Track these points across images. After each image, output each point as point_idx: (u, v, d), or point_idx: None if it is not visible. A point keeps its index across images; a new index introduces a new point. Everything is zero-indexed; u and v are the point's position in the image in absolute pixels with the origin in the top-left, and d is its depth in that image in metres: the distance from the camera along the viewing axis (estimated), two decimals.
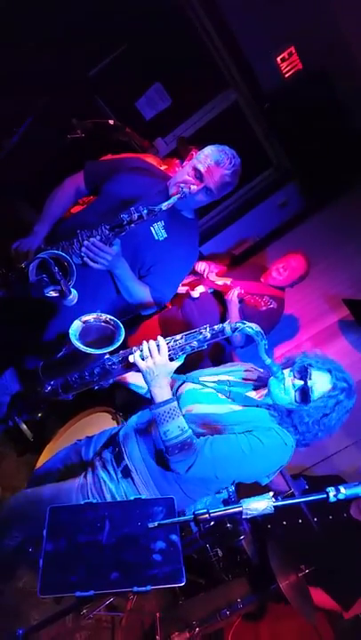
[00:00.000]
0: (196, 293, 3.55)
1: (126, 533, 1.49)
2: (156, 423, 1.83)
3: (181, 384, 2.15)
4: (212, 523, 2.50)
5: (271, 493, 1.76)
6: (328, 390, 1.89)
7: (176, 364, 1.91)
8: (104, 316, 1.95)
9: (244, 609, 2.98)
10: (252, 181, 4.92)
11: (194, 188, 2.39)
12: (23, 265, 2.19)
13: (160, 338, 1.89)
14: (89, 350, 1.82)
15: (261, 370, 2.19)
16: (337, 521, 3.10)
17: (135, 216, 2.16)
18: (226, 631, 3.23)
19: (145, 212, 2.16)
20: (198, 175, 2.42)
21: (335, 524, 3.08)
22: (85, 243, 2.23)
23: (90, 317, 1.92)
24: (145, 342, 1.88)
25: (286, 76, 4.21)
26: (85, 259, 2.26)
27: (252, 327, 1.80)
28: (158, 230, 2.51)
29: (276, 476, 3.20)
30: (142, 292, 2.51)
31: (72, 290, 2.01)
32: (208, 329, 1.86)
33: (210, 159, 2.41)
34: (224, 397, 2.04)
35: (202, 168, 2.40)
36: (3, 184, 3.27)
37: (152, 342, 1.88)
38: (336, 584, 3.10)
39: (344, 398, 1.89)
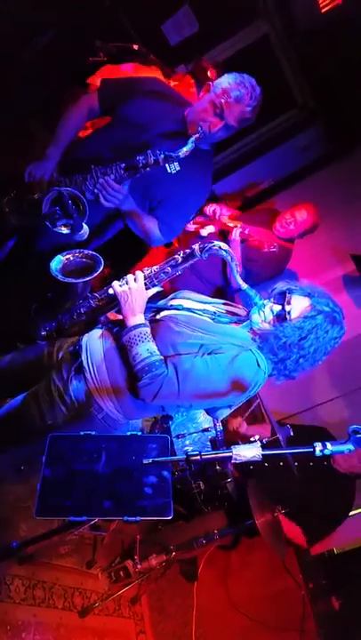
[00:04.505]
0: (205, 232, 3.52)
1: (121, 466, 1.55)
2: (127, 349, 1.81)
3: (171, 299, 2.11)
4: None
5: (257, 437, 1.82)
6: (306, 311, 1.84)
7: (152, 291, 1.94)
8: (85, 252, 1.97)
9: (220, 540, 3.17)
10: (274, 121, 4.72)
11: (213, 127, 2.33)
12: (36, 196, 2.16)
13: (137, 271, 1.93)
14: (67, 280, 1.87)
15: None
16: (317, 468, 3.22)
17: (151, 160, 2.11)
18: (200, 558, 3.46)
19: (162, 157, 2.11)
20: (218, 112, 2.32)
21: (315, 471, 3.20)
22: (100, 180, 2.20)
23: (70, 255, 1.95)
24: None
25: (323, 10, 3.96)
26: (99, 196, 2.24)
27: (220, 246, 1.79)
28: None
29: (259, 429, 3.34)
30: (150, 226, 2.50)
31: (84, 225, 2.00)
32: (181, 253, 1.87)
33: (228, 95, 2.30)
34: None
35: (221, 105, 2.31)
36: (17, 102, 3.15)
37: (129, 274, 1.92)
38: (307, 521, 3.28)
39: (323, 321, 1.82)
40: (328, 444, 1.45)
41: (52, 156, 2.42)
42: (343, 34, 3.97)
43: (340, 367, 3.87)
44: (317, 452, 1.45)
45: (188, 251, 1.86)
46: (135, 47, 2.97)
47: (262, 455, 1.49)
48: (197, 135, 2.21)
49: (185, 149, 2.15)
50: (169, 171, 2.45)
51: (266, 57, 4.32)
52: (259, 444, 1.51)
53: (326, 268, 4.36)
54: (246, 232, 3.45)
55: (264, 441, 2.95)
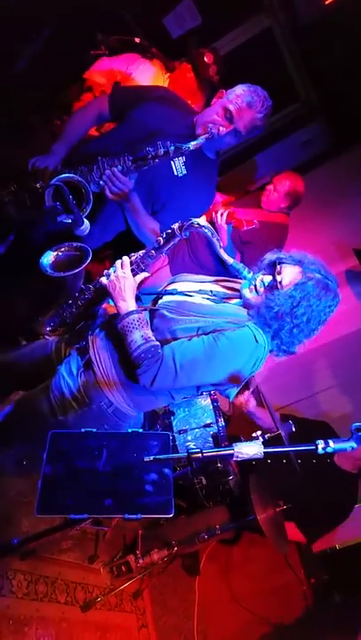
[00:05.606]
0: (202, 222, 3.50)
1: (122, 463, 1.55)
2: (123, 337, 1.80)
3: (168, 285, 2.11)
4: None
5: (259, 432, 1.80)
6: (297, 279, 1.80)
7: (140, 277, 1.93)
8: (74, 245, 1.98)
9: (221, 535, 3.17)
10: (276, 115, 4.69)
11: (223, 129, 2.33)
12: (38, 185, 2.15)
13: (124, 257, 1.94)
14: (56, 274, 1.90)
15: None
16: (320, 465, 3.21)
17: (161, 151, 2.11)
18: (201, 552, 3.47)
19: (172, 148, 2.10)
20: (228, 116, 2.33)
21: (317, 468, 3.19)
22: (107, 172, 2.18)
23: (58, 251, 1.97)
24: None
25: (327, 3, 3.93)
26: (105, 188, 2.23)
27: (198, 222, 1.80)
28: (179, 166, 2.44)
29: (264, 414, 3.32)
30: (152, 228, 2.48)
31: (85, 220, 1.99)
32: (163, 235, 1.89)
33: (241, 100, 2.32)
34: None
35: (232, 109, 2.32)
36: (20, 100, 3.12)
37: (117, 261, 1.93)
38: (307, 519, 3.28)
39: (314, 288, 1.78)
40: (330, 442, 1.44)
41: (58, 152, 2.41)
42: (347, 27, 3.94)
43: (343, 362, 3.88)
44: (320, 450, 1.44)
45: (168, 231, 1.87)
46: (137, 40, 2.95)
47: (264, 453, 1.48)
48: (207, 135, 2.22)
49: (195, 142, 2.16)
50: (176, 173, 2.45)
51: (268, 50, 4.30)
52: (260, 440, 1.50)
53: (329, 263, 4.23)
54: (230, 211, 3.40)
55: (266, 437, 2.94)
